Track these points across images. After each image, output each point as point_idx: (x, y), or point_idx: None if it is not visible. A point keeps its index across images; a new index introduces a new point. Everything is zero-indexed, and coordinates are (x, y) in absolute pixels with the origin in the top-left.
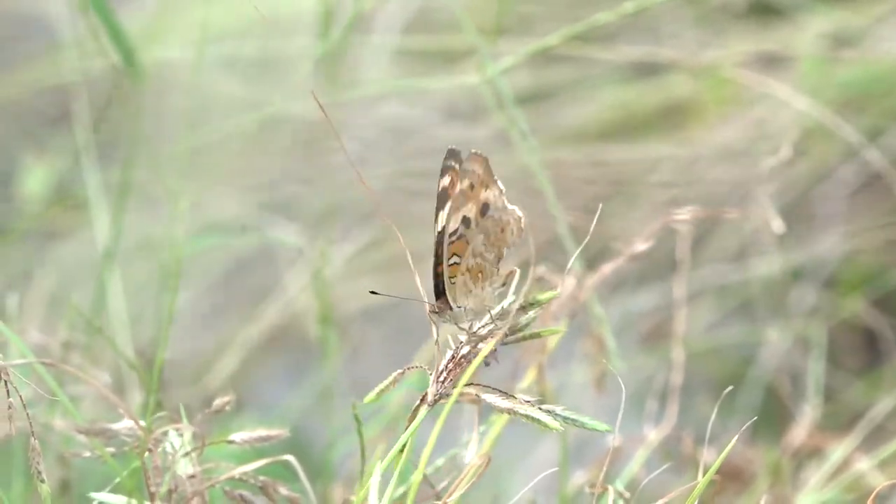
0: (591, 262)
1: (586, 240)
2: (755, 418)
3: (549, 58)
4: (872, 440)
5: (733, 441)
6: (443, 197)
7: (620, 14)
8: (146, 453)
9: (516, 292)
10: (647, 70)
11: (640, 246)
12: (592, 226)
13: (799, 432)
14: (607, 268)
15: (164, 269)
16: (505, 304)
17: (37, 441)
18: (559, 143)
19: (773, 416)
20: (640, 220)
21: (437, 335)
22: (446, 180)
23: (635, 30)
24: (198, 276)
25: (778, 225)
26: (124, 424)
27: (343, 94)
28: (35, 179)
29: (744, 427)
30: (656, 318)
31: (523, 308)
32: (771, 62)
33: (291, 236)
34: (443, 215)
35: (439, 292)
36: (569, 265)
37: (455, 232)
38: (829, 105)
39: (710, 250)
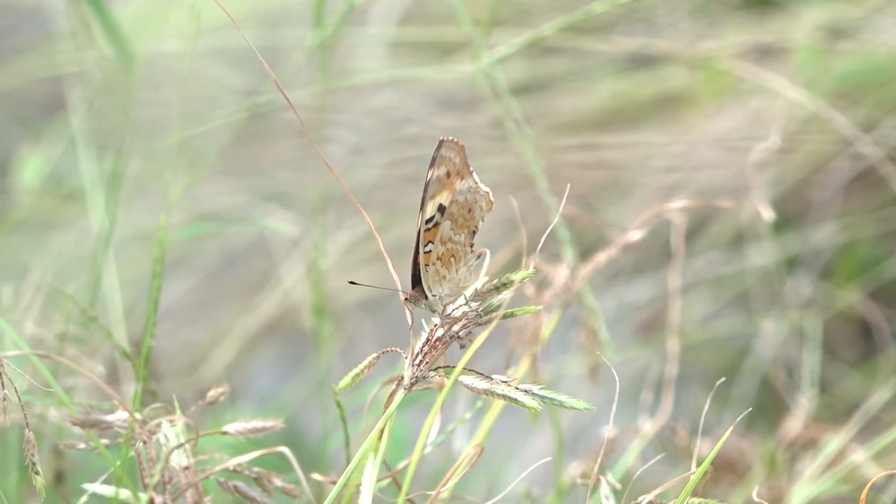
0: (586, 251)
1: (580, 229)
2: (750, 409)
3: (544, 49)
4: (868, 431)
5: (728, 432)
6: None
7: (616, 4)
8: (141, 445)
9: (491, 274)
10: (643, 61)
11: (634, 235)
12: (587, 215)
13: (794, 423)
14: (601, 257)
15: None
16: (478, 285)
17: (31, 433)
18: (555, 133)
19: (768, 408)
20: (636, 210)
21: (412, 321)
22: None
23: (631, 21)
24: (193, 268)
25: (768, 214)
26: (118, 416)
27: (337, 83)
28: (30, 169)
29: (738, 418)
30: (651, 309)
31: (497, 289)
32: (767, 53)
33: (286, 226)
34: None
35: (416, 280)
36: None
37: (431, 220)
38: (825, 96)
39: (706, 242)
